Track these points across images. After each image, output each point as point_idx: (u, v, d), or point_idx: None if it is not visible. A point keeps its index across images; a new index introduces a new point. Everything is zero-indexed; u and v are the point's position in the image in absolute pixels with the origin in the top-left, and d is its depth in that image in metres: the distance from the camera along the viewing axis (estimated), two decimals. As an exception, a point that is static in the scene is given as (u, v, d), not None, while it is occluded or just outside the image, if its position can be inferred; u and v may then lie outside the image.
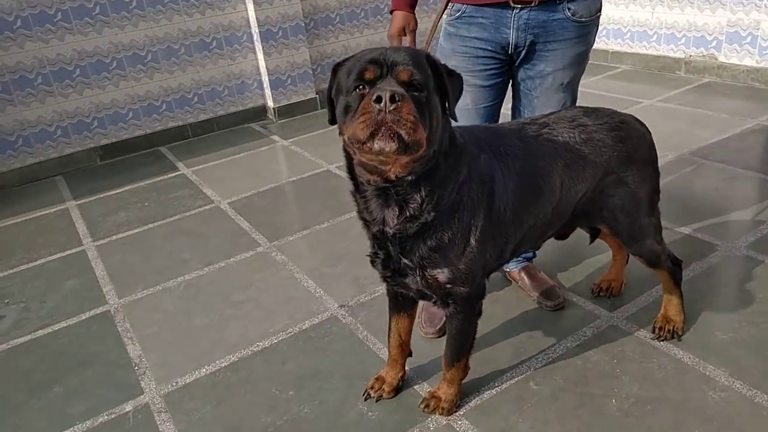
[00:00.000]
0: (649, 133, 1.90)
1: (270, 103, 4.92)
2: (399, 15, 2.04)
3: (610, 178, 1.78)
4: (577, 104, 2.08)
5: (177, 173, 4.09)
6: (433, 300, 1.65)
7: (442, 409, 1.82)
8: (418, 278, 1.56)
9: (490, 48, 2.01)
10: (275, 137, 4.57)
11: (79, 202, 3.79)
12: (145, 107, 4.49)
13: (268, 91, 4.87)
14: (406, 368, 1.99)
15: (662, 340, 2.05)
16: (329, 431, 1.84)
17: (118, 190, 3.91)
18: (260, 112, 4.98)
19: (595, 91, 4.57)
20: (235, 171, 3.98)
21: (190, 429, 1.92)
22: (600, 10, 2.00)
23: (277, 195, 3.59)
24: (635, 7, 5.09)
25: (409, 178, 1.40)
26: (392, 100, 1.21)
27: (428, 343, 2.16)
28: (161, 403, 2.04)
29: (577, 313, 2.25)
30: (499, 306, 2.33)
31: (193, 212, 3.47)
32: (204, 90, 4.68)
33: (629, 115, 1.89)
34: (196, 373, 2.17)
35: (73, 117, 4.24)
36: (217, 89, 4.74)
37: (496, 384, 1.95)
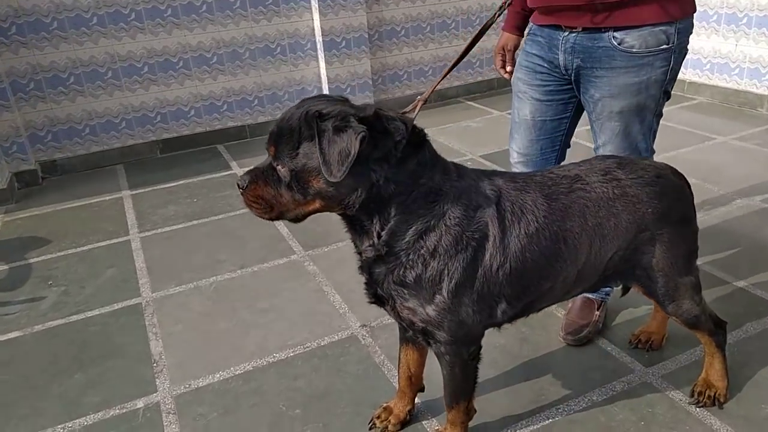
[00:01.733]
0: (688, 186, 1.75)
1: None
2: (504, 35, 2.25)
3: (644, 236, 1.63)
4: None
5: (229, 172, 4.16)
6: (415, 336, 1.60)
7: None
8: (390, 308, 1.54)
9: (546, 65, 2.05)
10: None
11: (133, 192, 3.92)
12: (207, 106, 4.61)
13: None
14: (418, 401, 1.91)
15: (701, 406, 1.87)
16: (328, 457, 1.79)
17: (171, 184, 4.02)
18: None
19: (667, 122, 4.30)
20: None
21: (193, 435, 1.91)
22: (671, 43, 1.85)
23: (321, 203, 3.57)
24: (717, 38, 4.79)
25: (349, 213, 1.43)
26: (240, 186, 1.43)
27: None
28: (171, 404, 2.05)
29: (609, 364, 2.10)
30: (527, 346, 2.21)
31: (237, 213, 3.51)
32: (265, 93, 4.76)
33: (667, 166, 1.74)
34: (210, 377, 2.17)
35: (138, 111, 4.40)
36: (278, 93, 4.81)
37: (509, 430, 1.84)
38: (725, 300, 2.38)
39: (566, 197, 1.56)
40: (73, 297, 2.76)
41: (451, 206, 1.42)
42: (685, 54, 1.93)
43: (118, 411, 2.04)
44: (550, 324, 2.31)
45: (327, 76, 4.77)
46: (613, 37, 1.83)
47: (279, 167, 1.38)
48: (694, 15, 1.90)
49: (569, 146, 2.26)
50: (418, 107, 1.66)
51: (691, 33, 1.91)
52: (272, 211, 1.42)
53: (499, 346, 2.22)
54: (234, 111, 4.72)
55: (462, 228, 1.42)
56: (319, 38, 4.67)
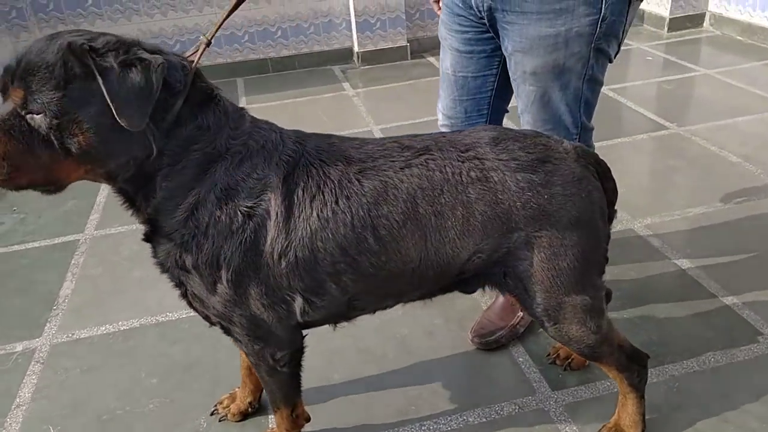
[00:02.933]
0: (596, 178, 1.30)
1: (355, 47, 4.59)
2: None
3: (516, 237, 1.24)
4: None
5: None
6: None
7: None
8: (182, 296, 1.30)
9: (461, 4, 1.62)
10: (346, 84, 4.27)
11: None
12: (227, 36, 4.43)
13: (354, 34, 4.54)
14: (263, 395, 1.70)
15: (603, 456, 1.51)
16: (155, 438, 1.65)
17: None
18: (346, 55, 4.68)
19: (735, 81, 3.56)
20: (283, 115, 3.80)
21: (45, 390, 1.85)
22: None
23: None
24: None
25: (113, 185, 1.20)
26: None
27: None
28: (45, 353, 2.00)
29: (511, 379, 1.76)
30: (429, 342, 1.91)
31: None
32: (288, 25, 4.49)
33: (573, 149, 1.30)
34: (95, 329, 2.09)
35: (156, 37, 4.29)
36: (303, 25, 4.52)
37: (356, 442, 1.60)
38: (700, 318, 1.91)
39: (394, 175, 1.21)
40: (25, 226, 2.78)
41: (228, 175, 1.16)
42: (630, 0, 1.43)
43: (-3, 351, 2.02)
44: (469, 318, 1.97)
45: (354, 8, 4.40)
46: None
47: (32, 116, 1.06)
48: None
49: (507, 112, 1.84)
50: (200, 51, 1.22)
51: None
52: (18, 177, 1.09)
53: (399, 338, 1.94)
54: (256, 43, 4.51)
55: (237, 203, 1.16)
56: (346, -37, 4.28)
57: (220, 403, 1.71)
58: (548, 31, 1.44)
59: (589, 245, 1.29)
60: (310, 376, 1.50)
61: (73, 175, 1.15)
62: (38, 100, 1.04)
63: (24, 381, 1.88)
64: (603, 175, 1.34)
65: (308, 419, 1.55)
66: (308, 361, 1.42)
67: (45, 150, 1.08)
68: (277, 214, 1.16)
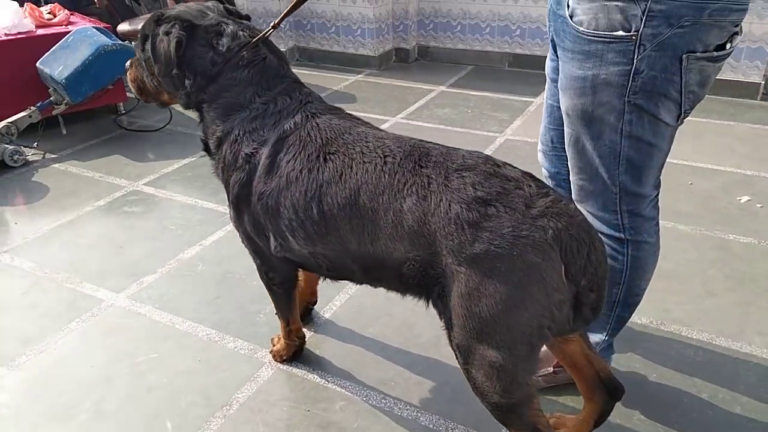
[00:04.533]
0: (551, 246, 1.14)
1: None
2: None
3: (445, 262, 1.21)
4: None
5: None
6: None
7: (272, 352, 1.86)
8: None
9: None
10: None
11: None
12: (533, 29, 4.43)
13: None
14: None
15: None
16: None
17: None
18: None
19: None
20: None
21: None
22: (633, 31, 1.23)
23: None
24: None
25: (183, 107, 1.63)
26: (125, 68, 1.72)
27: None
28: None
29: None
30: (414, 330, 1.91)
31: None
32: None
33: (542, 206, 1.16)
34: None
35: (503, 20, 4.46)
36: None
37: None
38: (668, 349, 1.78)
39: (353, 164, 1.33)
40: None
41: (240, 125, 1.48)
42: (684, 57, 1.23)
43: None
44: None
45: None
46: (568, 4, 1.33)
47: (140, 57, 1.62)
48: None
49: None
50: (266, 31, 1.52)
51: (691, 23, 1.20)
52: (142, 94, 1.70)
53: (390, 315, 1.98)
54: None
55: (241, 148, 1.48)
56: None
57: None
58: (578, 72, 1.34)
59: (509, 304, 1.17)
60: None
61: (164, 97, 1.67)
62: (139, 48, 1.60)
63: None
64: (579, 250, 1.17)
65: (302, 337, 1.83)
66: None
67: (147, 78, 1.63)
68: (263, 165, 1.44)
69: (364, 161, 1.32)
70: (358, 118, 1.49)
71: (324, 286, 1.97)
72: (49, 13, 3.78)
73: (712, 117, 3.52)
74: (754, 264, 2.21)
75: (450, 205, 1.19)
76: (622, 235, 1.46)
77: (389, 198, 1.27)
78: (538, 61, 3.84)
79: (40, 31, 3.52)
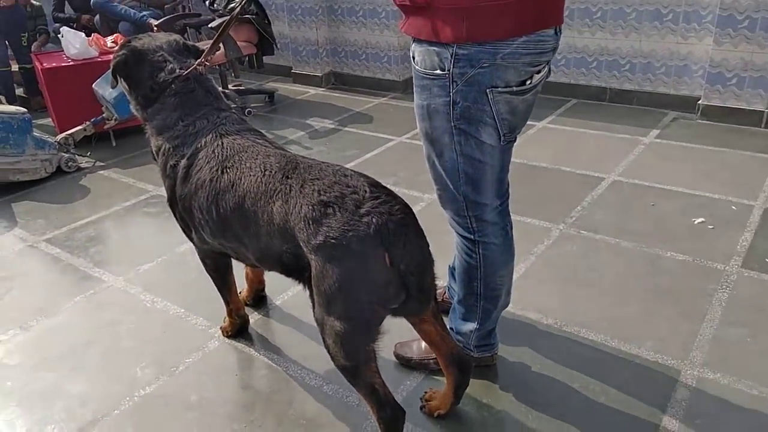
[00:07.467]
0: (374, 241, 1.40)
1: (702, 99, 4.02)
2: None
3: (306, 251, 1.48)
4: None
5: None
6: None
7: (221, 328, 2.20)
8: None
9: None
10: (667, 131, 3.86)
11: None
12: (578, 59, 4.51)
13: (704, 84, 3.99)
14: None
15: None
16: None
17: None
18: (689, 104, 4.14)
19: None
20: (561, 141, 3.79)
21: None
22: (446, 70, 1.48)
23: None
24: None
25: None
26: None
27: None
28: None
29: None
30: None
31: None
32: (639, 61, 4.29)
33: (370, 208, 1.42)
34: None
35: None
36: (654, 64, 4.24)
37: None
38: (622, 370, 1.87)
39: (243, 177, 1.65)
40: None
41: (167, 142, 1.85)
42: (488, 91, 1.48)
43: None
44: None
45: (712, 57, 3.85)
46: (411, 47, 1.61)
47: None
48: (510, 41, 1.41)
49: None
50: (195, 64, 1.90)
51: (489, 64, 1.44)
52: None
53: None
54: (601, 71, 4.46)
55: (166, 160, 1.86)
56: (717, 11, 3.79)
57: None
58: (418, 101, 1.60)
59: (344, 283, 1.43)
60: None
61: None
62: None
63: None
64: (396, 241, 1.41)
65: (243, 316, 2.16)
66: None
67: None
68: (180, 175, 1.80)
69: (250, 174, 1.64)
70: (264, 138, 1.82)
71: (280, 278, 2.24)
72: (113, 42, 4.43)
73: (706, 143, 3.58)
74: (678, 280, 2.33)
75: (302, 206, 1.48)
76: (473, 237, 1.70)
77: (264, 203, 1.58)
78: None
79: (102, 58, 4.17)
